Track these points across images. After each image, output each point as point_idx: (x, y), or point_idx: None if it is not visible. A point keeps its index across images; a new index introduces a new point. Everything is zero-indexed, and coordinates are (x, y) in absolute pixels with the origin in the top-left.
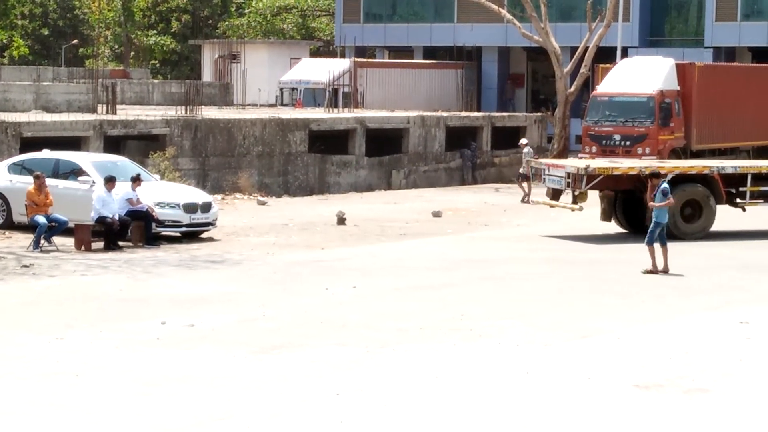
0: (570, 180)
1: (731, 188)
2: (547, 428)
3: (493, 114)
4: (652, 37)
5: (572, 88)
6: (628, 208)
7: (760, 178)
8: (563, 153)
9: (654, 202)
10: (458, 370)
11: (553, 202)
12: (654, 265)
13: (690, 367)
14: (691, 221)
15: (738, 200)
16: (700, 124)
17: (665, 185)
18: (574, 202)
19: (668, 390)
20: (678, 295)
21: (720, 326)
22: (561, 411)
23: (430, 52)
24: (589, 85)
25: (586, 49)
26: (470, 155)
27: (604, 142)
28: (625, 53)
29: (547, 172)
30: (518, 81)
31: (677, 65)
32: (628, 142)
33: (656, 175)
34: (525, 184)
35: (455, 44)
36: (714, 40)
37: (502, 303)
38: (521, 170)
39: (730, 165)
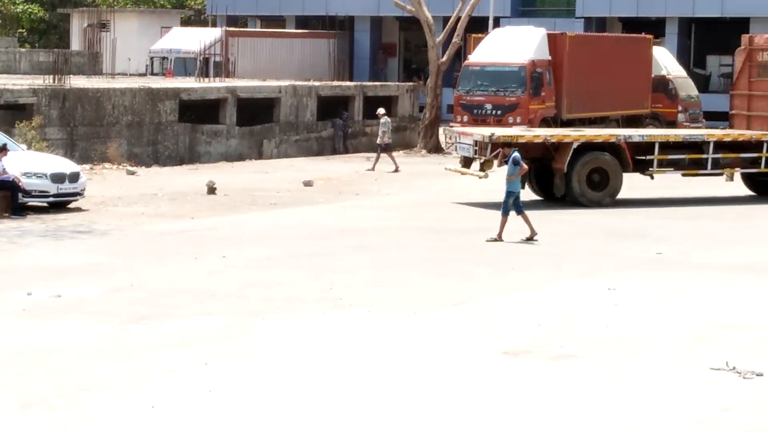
0: (477, 148)
1: (640, 156)
2: (416, 394)
3: (365, 83)
4: (525, 8)
5: (444, 58)
6: (541, 176)
7: (667, 146)
8: (435, 122)
9: (506, 170)
10: (328, 338)
11: (464, 170)
12: (500, 234)
13: (558, 334)
14: (597, 188)
15: (649, 168)
16: (571, 93)
17: (516, 154)
18: (481, 169)
19: (536, 356)
20: (548, 263)
21: (588, 293)
22: (430, 378)
23: (302, 22)
24: (461, 54)
25: (458, 18)
26: (342, 125)
27: (475, 111)
28: (497, 23)
29: (458, 140)
30: (390, 51)
31: (549, 35)
32: (499, 112)
33: (508, 145)
34: (384, 155)
35: (327, 14)
36: (585, 11)
37: (372, 272)
38: (378, 141)
39: (637, 133)
